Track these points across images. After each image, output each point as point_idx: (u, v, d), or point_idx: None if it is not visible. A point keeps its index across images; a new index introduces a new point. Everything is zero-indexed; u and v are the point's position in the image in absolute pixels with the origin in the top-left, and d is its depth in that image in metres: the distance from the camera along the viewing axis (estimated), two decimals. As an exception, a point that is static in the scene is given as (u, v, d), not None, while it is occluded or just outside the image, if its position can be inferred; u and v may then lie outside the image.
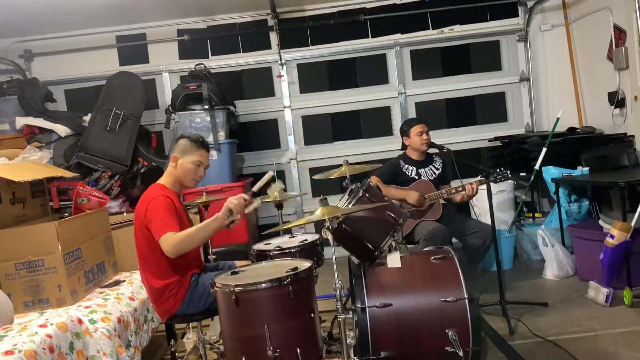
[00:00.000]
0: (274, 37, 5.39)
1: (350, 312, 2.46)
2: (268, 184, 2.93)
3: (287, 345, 2.09)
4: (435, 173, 3.81)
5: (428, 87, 5.48)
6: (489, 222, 3.43)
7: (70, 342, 2.25)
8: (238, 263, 2.91)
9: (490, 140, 5.35)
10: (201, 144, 2.67)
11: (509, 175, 3.53)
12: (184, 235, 2.37)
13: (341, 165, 2.90)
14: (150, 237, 2.45)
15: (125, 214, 3.92)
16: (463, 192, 3.58)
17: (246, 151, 5.47)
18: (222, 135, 4.75)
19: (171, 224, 2.39)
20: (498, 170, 3.54)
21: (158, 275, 2.53)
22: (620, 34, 4.43)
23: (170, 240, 2.34)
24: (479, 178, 3.59)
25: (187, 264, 2.60)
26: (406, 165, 3.80)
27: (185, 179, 2.65)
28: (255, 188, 2.68)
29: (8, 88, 4.90)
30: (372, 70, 5.50)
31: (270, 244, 3.04)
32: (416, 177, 3.76)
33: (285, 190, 3.34)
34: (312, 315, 2.21)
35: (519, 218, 4.70)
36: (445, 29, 5.43)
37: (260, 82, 5.50)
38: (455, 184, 3.82)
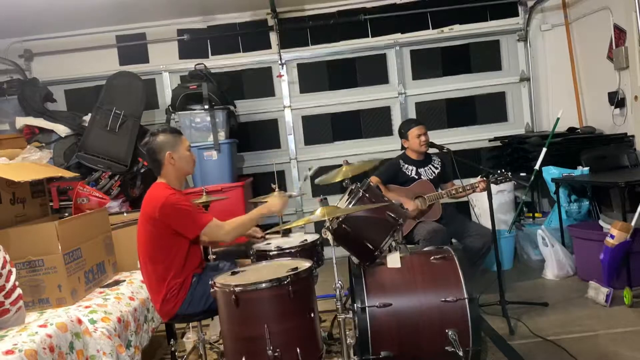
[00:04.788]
0: (274, 37, 5.39)
1: (350, 312, 2.46)
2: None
3: (287, 345, 2.09)
4: (434, 172, 3.81)
5: (428, 87, 5.48)
6: (488, 222, 3.43)
7: (70, 342, 2.25)
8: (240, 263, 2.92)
9: (490, 140, 5.35)
10: (178, 131, 2.75)
11: (510, 177, 3.54)
12: (240, 221, 2.59)
13: (341, 165, 2.90)
14: (157, 238, 2.46)
15: (125, 214, 3.91)
16: (470, 190, 3.60)
17: (246, 151, 5.47)
18: (222, 135, 4.75)
19: (205, 213, 2.55)
20: (499, 171, 3.55)
21: (161, 277, 2.53)
22: (620, 34, 4.43)
23: (224, 225, 2.51)
24: (479, 179, 3.59)
25: (189, 264, 2.60)
26: (406, 165, 3.80)
27: (187, 167, 2.70)
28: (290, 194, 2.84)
29: (8, 88, 4.90)
30: (372, 70, 5.50)
31: (270, 244, 3.04)
32: (416, 177, 3.76)
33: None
34: (312, 315, 2.21)
35: (519, 218, 4.70)
36: (445, 29, 5.43)
37: (260, 82, 5.50)
38: (454, 182, 3.83)
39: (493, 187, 3.49)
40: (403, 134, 3.84)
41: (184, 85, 4.87)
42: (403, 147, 3.91)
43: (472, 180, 3.66)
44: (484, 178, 3.43)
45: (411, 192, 3.69)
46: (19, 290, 2.29)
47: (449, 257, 2.56)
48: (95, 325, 2.47)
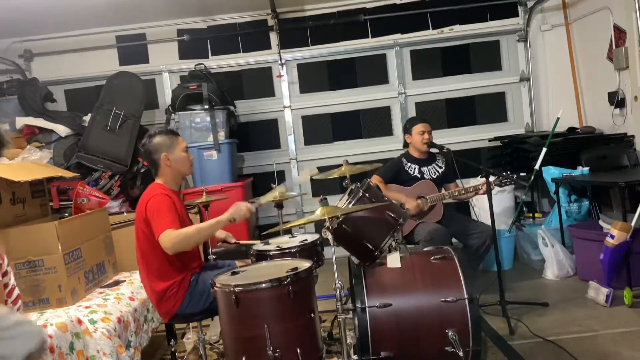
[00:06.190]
0: (274, 37, 5.39)
1: (350, 312, 2.46)
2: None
3: (287, 345, 2.09)
4: (438, 172, 3.81)
5: (428, 87, 5.48)
6: (488, 222, 3.43)
7: (70, 342, 2.25)
8: (238, 263, 2.91)
9: (490, 140, 5.34)
10: (175, 133, 2.74)
11: (514, 178, 3.55)
12: (184, 233, 2.40)
13: (341, 165, 2.90)
14: (151, 237, 2.46)
15: (125, 214, 3.91)
16: (472, 193, 3.60)
17: (246, 151, 5.47)
18: (222, 135, 4.75)
19: (171, 220, 2.42)
20: (503, 174, 3.57)
21: (159, 277, 2.54)
22: (620, 34, 4.43)
23: (170, 237, 2.37)
24: (482, 181, 3.60)
25: (187, 263, 2.61)
26: (409, 164, 3.80)
27: (183, 168, 2.70)
28: (262, 200, 2.74)
29: (8, 88, 4.90)
30: (372, 70, 5.50)
31: (270, 244, 3.03)
32: (419, 176, 3.76)
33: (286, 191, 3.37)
34: (312, 315, 2.21)
35: (519, 218, 4.70)
36: (445, 29, 5.43)
37: (260, 82, 5.50)
38: (457, 183, 3.84)
39: (496, 188, 3.49)
40: (407, 129, 3.84)
41: (184, 85, 4.87)
42: (406, 145, 3.90)
43: (472, 181, 3.66)
44: (485, 179, 3.43)
45: (413, 192, 3.69)
46: (17, 291, 2.29)
47: (449, 257, 2.56)
48: (95, 325, 2.47)
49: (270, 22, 5.36)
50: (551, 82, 5.42)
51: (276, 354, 2.06)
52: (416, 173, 3.77)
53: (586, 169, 4.28)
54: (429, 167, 3.81)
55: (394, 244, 2.61)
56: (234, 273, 2.37)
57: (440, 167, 3.83)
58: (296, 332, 2.14)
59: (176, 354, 3.01)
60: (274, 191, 3.12)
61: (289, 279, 2.11)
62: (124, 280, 3.15)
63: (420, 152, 3.82)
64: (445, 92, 5.49)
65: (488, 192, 3.33)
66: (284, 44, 5.37)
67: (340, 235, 2.45)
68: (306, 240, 2.94)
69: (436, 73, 5.49)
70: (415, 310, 2.40)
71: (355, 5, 5.42)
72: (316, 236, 2.97)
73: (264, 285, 2.09)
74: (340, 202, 2.70)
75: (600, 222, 3.84)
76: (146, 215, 2.47)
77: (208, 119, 4.72)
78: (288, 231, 3.30)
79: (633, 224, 3.35)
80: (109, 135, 4.55)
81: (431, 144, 3.72)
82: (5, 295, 2.20)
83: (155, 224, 2.42)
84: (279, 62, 5.37)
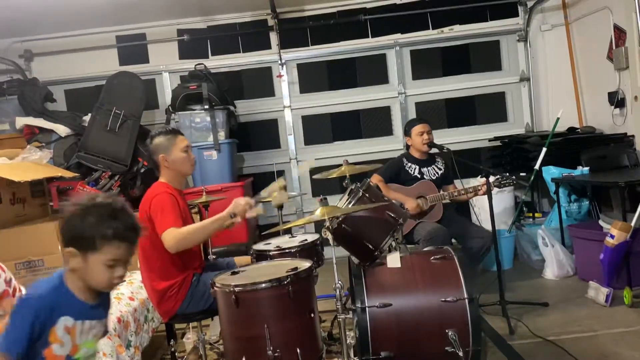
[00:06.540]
0: (274, 37, 5.39)
1: (350, 312, 2.46)
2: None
3: (287, 345, 2.09)
4: (437, 173, 3.81)
5: (428, 87, 5.48)
6: (488, 221, 3.43)
7: (70, 342, 2.24)
8: (237, 260, 2.91)
9: (490, 140, 5.34)
10: (175, 132, 2.72)
11: (514, 180, 3.55)
12: (186, 231, 2.41)
13: (341, 165, 2.90)
14: (154, 236, 2.46)
15: (125, 214, 3.90)
16: (472, 193, 3.60)
17: (246, 151, 5.47)
18: (222, 135, 4.75)
19: (174, 219, 2.43)
20: (502, 175, 3.57)
21: (161, 276, 2.54)
22: (620, 34, 4.43)
23: (173, 235, 2.37)
24: (482, 181, 3.60)
25: (188, 262, 2.61)
26: (409, 164, 3.80)
27: (183, 168, 2.68)
28: (262, 193, 2.71)
29: (8, 88, 4.89)
30: (372, 70, 5.50)
31: (270, 244, 3.03)
32: (419, 176, 3.76)
33: (285, 188, 3.33)
34: (312, 315, 2.21)
35: (519, 218, 4.70)
36: (445, 29, 5.43)
37: (260, 82, 5.50)
38: (456, 184, 3.84)
39: (495, 188, 3.49)
40: (407, 132, 3.86)
41: (184, 85, 4.87)
42: (407, 147, 3.92)
43: (472, 181, 3.66)
44: (485, 179, 3.43)
45: (413, 192, 3.69)
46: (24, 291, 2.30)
47: (449, 257, 2.56)
48: (95, 325, 2.47)
49: (270, 22, 5.36)
50: (551, 82, 5.42)
51: (276, 354, 2.05)
52: (416, 173, 3.77)
53: (586, 169, 4.28)
54: (429, 168, 3.82)
55: (393, 243, 2.61)
56: (234, 273, 2.37)
57: (440, 169, 3.84)
58: (296, 332, 2.14)
59: (176, 354, 3.01)
60: (273, 184, 3.08)
61: (289, 279, 2.11)
62: (124, 280, 3.15)
63: (420, 153, 3.82)
64: (445, 92, 5.48)
65: (488, 192, 3.33)
66: (284, 44, 5.37)
67: (340, 235, 2.45)
68: (306, 240, 2.94)
69: (436, 73, 5.49)
70: (415, 310, 2.40)
71: (355, 5, 5.42)
72: (316, 236, 2.97)
73: (263, 285, 2.09)
74: (340, 202, 2.70)
75: (600, 222, 3.84)
76: (150, 213, 2.47)
77: (208, 119, 4.72)
78: (288, 231, 3.30)
79: (633, 224, 3.35)
80: (109, 135, 4.55)
81: (431, 144, 3.72)
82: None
83: (159, 221, 2.43)
84: (279, 62, 5.37)
